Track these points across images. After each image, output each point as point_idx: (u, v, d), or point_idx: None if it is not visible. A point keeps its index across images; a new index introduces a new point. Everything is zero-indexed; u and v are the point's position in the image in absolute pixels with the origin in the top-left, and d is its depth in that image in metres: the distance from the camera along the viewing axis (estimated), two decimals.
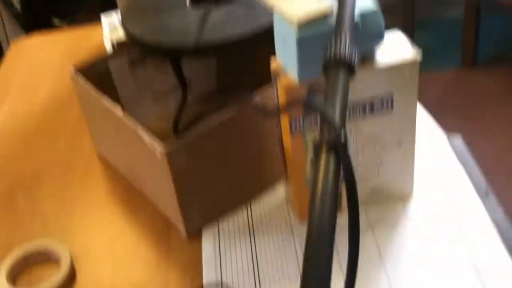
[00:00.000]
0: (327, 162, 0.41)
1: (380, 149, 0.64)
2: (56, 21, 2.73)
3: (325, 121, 0.43)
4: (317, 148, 0.42)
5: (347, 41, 0.48)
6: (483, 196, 0.67)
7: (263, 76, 0.68)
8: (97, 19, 2.84)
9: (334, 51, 0.47)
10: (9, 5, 2.38)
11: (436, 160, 0.73)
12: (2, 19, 2.40)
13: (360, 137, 0.63)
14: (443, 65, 2.38)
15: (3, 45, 2.46)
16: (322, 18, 0.55)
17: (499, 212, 0.65)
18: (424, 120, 0.79)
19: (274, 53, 0.61)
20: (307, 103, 0.48)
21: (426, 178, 0.70)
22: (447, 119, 2.10)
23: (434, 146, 0.75)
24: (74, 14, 2.80)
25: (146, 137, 0.65)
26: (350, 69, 0.47)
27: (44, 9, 2.73)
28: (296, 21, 0.54)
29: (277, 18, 0.57)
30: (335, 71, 0.47)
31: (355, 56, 0.48)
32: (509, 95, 2.19)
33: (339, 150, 0.41)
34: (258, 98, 0.62)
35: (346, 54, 0.47)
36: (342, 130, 0.42)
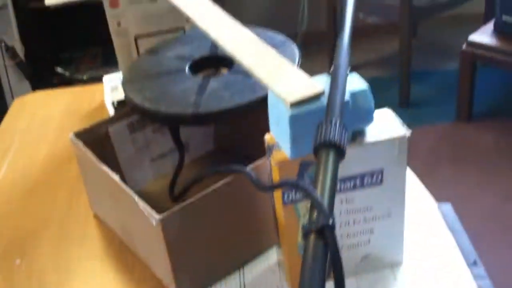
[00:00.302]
0: (315, 246, 0.42)
1: (370, 219, 0.66)
2: (59, 69, 2.78)
3: (314, 206, 0.45)
4: (306, 231, 0.43)
5: (337, 124, 0.50)
6: (471, 265, 0.69)
7: (259, 141, 0.70)
8: (100, 69, 2.87)
9: (324, 134, 0.50)
10: (12, 54, 2.43)
11: (426, 228, 0.74)
12: (5, 67, 2.45)
13: (351, 207, 0.65)
14: (438, 117, 2.41)
15: (6, 95, 2.49)
16: (314, 97, 0.57)
17: (487, 282, 0.66)
18: (414, 187, 0.81)
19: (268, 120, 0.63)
20: (297, 185, 0.50)
21: (416, 246, 0.71)
22: (441, 172, 2.13)
23: (424, 215, 0.77)
24: (77, 63, 2.85)
25: (141, 204, 0.66)
26: (339, 152, 0.49)
27: (47, 58, 2.78)
28: (289, 101, 0.56)
29: (271, 95, 0.60)
30: (325, 153, 0.49)
31: (344, 139, 0.50)
32: (503, 150, 2.21)
33: (327, 235, 0.43)
34: (252, 170, 0.64)
35: (336, 137, 0.49)
36: (330, 216, 0.44)
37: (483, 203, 1.98)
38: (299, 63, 0.80)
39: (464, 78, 2.25)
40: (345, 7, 0.67)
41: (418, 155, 2.21)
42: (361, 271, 0.69)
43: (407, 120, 2.38)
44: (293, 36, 2.84)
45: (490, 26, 2.22)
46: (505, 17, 2.12)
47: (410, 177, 0.84)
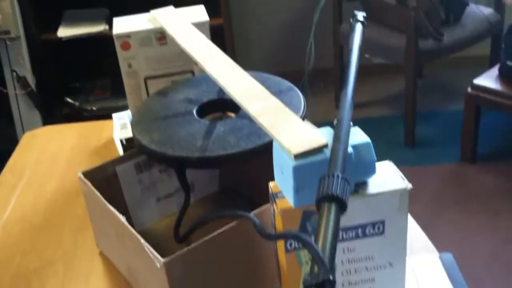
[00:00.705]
0: None
1: (372, 268, 0.67)
2: (68, 99, 2.82)
3: (315, 259, 0.46)
4: (307, 285, 0.45)
5: (340, 178, 0.52)
6: None
7: (264, 183, 0.72)
8: (109, 100, 2.90)
9: (326, 188, 0.51)
10: (23, 83, 2.47)
11: (427, 278, 0.75)
12: (16, 97, 2.49)
13: (353, 256, 0.66)
14: (443, 157, 2.42)
15: (16, 124, 2.53)
16: (317, 149, 0.59)
17: None
18: (416, 237, 0.82)
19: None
20: (299, 238, 0.51)
21: None
22: (444, 212, 2.13)
23: (426, 265, 0.78)
24: (86, 93, 2.89)
25: (147, 247, 0.67)
26: (341, 206, 0.51)
27: (57, 88, 2.82)
28: (293, 153, 0.58)
29: (276, 146, 0.62)
30: (327, 206, 0.51)
31: (346, 193, 0.52)
32: (507, 192, 2.21)
33: None
34: (256, 216, 0.66)
35: (338, 191, 0.51)
36: (331, 271, 0.45)
37: (486, 245, 1.97)
38: (305, 111, 0.82)
39: (469, 120, 2.27)
40: (350, 59, 0.69)
41: (422, 194, 2.21)
42: None
43: (412, 160, 2.42)
44: (300, 73, 2.89)
45: (495, 70, 2.25)
46: (510, 63, 2.15)
47: (412, 226, 0.85)
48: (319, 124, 1.03)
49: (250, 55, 3.07)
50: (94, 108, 2.82)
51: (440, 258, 0.78)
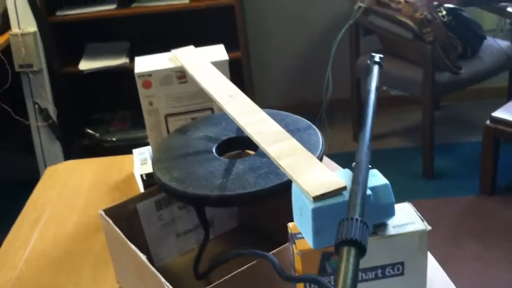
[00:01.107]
0: None
1: None
2: (89, 130, 2.86)
3: None
4: None
5: (359, 222, 0.53)
6: None
7: (283, 221, 0.72)
8: (128, 131, 2.93)
9: (345, 232, 0.52)
10: (45, 115, 2.52)
11: None
12: (38, 128, 2.53)
13: None
14: (461, 190, 2.41)
15: (38, 155, 2.56)
16: (336, 191, 0.59)
17: None
18: (434, 273, 0.82)
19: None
20: (319, 282, 0.52)
21: None
22: (462, 246, 2.11)
23: None
24: (106, 125, 2.93)
25: (167, 286, 0.68)
26: (360, 249, 0.51)
27: (78, 119, 2.87)
28: (312, 195, 0.58)
29: (294, 187, 0.62)
30: (347, 250, 0.51)
31: (366, 237, 0.52)
32: None
33: None
34: (275, 256, 0.66)
35: (357, 235, 0.51)
36: None
37: (505, 279, 1.94)
38: (323, 149, 0.83)
39: (487, 153, 2.26)
40: (368, 101, 0.70)
41: (440, 227, 2.19)
42: None
43: (431, 192, 2.41)
44: (318, 104, 2.91)
45: None
46: None
47: (431, 262, 0.84)
48: (337, 155, 1.04)
49: (269, 87, 3.11)
50: (114, 139, 2.86)
51: None
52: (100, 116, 3.01)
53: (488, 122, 2.23)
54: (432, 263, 0.85)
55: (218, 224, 0.96)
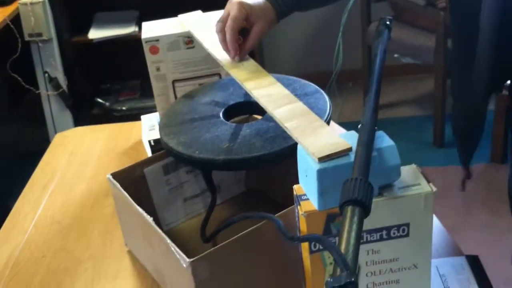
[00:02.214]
0: None
1: (397, 270, 0.67)
2: (99, 100, 2.87)
3: (338, 262, 0.47)
4: (330, 287, 0.45)
5: (363, 182, 0.52)
6: None
7: (289, 185, 0.72)
8: (138, 100, 2.92)
9: (350, 192, 0.52)
10: (55, 85, 2.52)
11: (452, 280, 0.75)
12: (48, 97, 2.54)
13: (378, 258, 0.66)
14: (472, 159, 2.39)
15: (48, 123, 2.58)
16: (342, 153, 0.59)
17: None
18: (443, 239, 0.82)
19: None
20: (322, 241, 0.52)
21: None
22: (473, 214, 2.10)
23: (452, 266, 0.77)
24: (116, 95, 2.93)
25: (173, 247, 0.69)
26: (364, 210, 0.51)
27: (88, 89, 2.87)
28: (317, 156, 0.58)
29: (300, 149, 0.62)
30: (351, 210, 0.51)
31: (370, 197, 0.52)
32: None
33: None
34: (280, 218, 0.66)
35: (361, 195, 0.51)
36: (354, 274, 0.45)
37: None
38: (330, 113, 0.82)
39: (499, 120, 2.24)
40: (374, 65, 0.69)
41: (450, 195, 2.19)
42: None
43: (441, 160, 2.38)
44: (329, 73, 2.88)
45: None
46: None
47: (439, 228, 0.85)
48: (347, 124, 1.03)
49: (278, 56, 3.08)
50: (124, 108, 2.86)
51: (466, 260, 0.78)
52: (110, 86, 3.00)
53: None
54: (438, 227, 0.85)
55: (225, 189, 0.96)
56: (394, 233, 0.64)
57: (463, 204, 2.16)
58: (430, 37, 2.32)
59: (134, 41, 2.64)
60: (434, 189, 0.63)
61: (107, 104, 2.88)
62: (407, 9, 2.40)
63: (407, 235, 0.64)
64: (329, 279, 0.46)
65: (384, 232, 0.64)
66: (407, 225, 0.64)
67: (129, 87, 3.01)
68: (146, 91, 2.91)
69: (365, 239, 0.64)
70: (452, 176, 2.29)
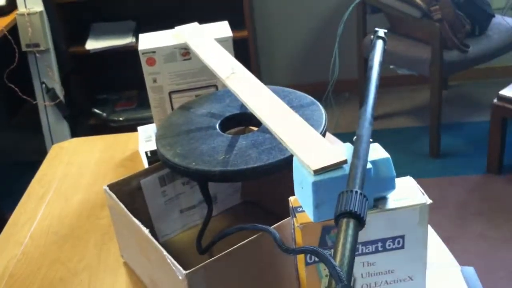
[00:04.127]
0: None
1: (392, 281, 0.67)
2: (96, 110, 2.87)
3: (333, 275, 0.47)
4: None
5: (358, 194, 0.53)
6: None
7: (285, 197, 0.73)
8: (135, 111, 2.93)
9: (345, 204, 0.52)
10: (52, 95, 2.52)
11: None
12: (45, 108, 2.54)
13: (373, 270, 0.66)
14: (468, 169, 2.40)
15: (45, 134, 2.57)
16: (337, 165, 0.59)
17: None
18: (438, 250, 0.82)
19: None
20: (317, 253, 0.52)
21: None
22: (468, 225, 2.11)
23: (447, 278, 0.77)
24: (113, 105, 2.94)
25: (169, 259, 0.69)
26: (359, 222, 0.52)
27: (85, 99, 2.88)
28: (313, 168, 0.59)
29: (295, 161, 0.63)
30: (346, 222, 0.51)
31: (365, 209, 0.52)
32: None
33: None
34: (276, 230, 0.66)
35: (356, 207, 0.52)
36: (348, 286, 0.46)
37: (511, 258, 1.95)
38: (326, 125, 0.83)
39: (495, 131, 2.25)
40: (370, 76, 0.70)
41: (446, 205, 2.19)
42: None
43: (437, 171, 2.40)
44: (325, 84, 2.89)
45: None
46: None
47: (434, 239, 0.85)
48: (344, 134, 1.04)
49: (275, 67, 3.09)
50: (121, 119, 2.87)
51: (462, 272, 0.78)
52: (107, 96, 3.01)
53: (495, 100, 2.21)
54: (434, 238, 0.85)
55: (222, 201, 0.97)
56: (389, 245, 0.64)
57: (458, 215, 2.16)
58: (426, 48, 2.33)
59: (131, 52, 2.65)
60: (429, 201, 0.63)
61: (104, 114, 2.89)
62: (403, 20, 2.41)
63: (402, 247, 0.65)
64: None
65: (380, 244, 0.64)
66: (402, 237, 0.64)
67: (126, 97, 3.02)
68: (143, 102, 2.92)
69: (360, 251, 0.64)
70: (447, 187, 2.30)
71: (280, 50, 3.08)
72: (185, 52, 1.03)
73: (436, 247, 0.84)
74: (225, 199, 0.97)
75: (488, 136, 2.29)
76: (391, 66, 2.53)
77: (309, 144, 0.65)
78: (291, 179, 0.65)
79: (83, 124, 2.81)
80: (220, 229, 0.92)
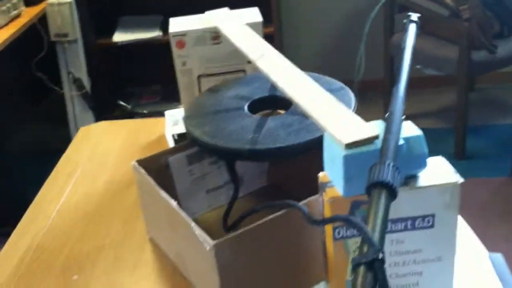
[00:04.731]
0: (364, 278, 0.44)
1: (420, 262, 0.67)
2: (121, 102, 2.90)
3: (365, 240, 0.47)
4: (356, 263, 0.45)
5: (391, 166, 0.53)
6: None
7: (311, 182, 0.73)
8: (159, 104, 2.96)
9: (377, 175, 0.52)
10: (79, 85, 2.55)
11: (475, 276, 0.74)
12: (71, 97, 2.57)
13: (401, 249, 0.66)
14: (493, 171, 2.37)
15: (70, 123, 2.61)
16: (369, 140, 0.59)
17: None
18: (467, 236, 0.81)
19: (322, 160, 0.65)
20: (349, 220, 0.52)
21: None
22: (492, 227, 2.08)
23: (475, 262, 0.77)
24: (138, 98, 2.96)
25: (197, 230, 0.69)
26: (391, 192, 0.51)
27: (111, 91, 2.91)
28: (344, 142, 0.59)
29: (327, 135, 0.63)
30: (378, 193, 0.51)
31: (397, 180, 0.52)
32: None
33: (376, 269, 0.45)
34: (305, 206, 0.66)
35: (389, 178, 0.51)
36: (381, 250, 0.45)
37: None
38: (355, 109, 0.82)
39: None
40: (403, 56, 0.70)
41: (470, 207, 2.17)
42: None
43: (462, 172, 2.35)
44: (349, 84, 2.88)
45: None
46: None
47: (462, 225, 0.84)
48: None
49: (299, 64, 3.07)
50: (145, 112, 2.90)
51: (490, 258, 0.77)
52: (132, 89, 3.04)
53: None
54: (463, 225, 0.85)
55: (248, 182, 0.97)
56: (418, 224, 0.64)
57: (482, 216, 2.14)
58: (453, 48, 2.31)
59: (158, 46, 2.68)
60: (461, 180, 0.63)
61: (129, 107, 2.92)
62: (431, 19, 2.40)
63: (431, 226, 0.64)
64: (355, 256, 0.46)
65: (409, 222, 0.64)
66: (432, 216, 0.64)
67: (150, 91, 3.04)
68: (167, 96, 2.94)
69: (389, 229, 0.64)
70: (472, 188, 2.27)
71: (306, 47, 3.08)
72: (215, 35, 1.03)
73: (464, 233, 0.83)
74: (251, 181, 0.97)
75: None
76: (418, 66, 2.51)
77: (341, 120, 0.65)
78: (318, 164, 0.65)
79: (108, 115, 2.84)
80: (245, 211, 0.92)
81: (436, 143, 2.61)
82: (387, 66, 2.70)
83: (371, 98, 3.00)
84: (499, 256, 0.77)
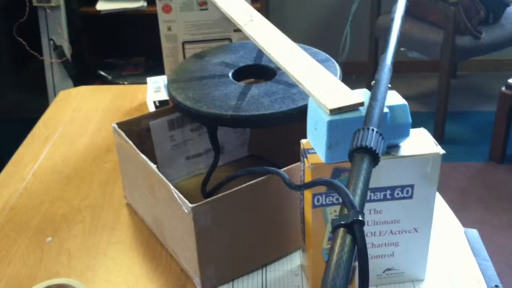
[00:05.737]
0: (343, 239, 0.44)
1: (397, 232, 0.67)
2: (102, 72, 2.86)
3: (346, 202, 0.47)
4: (336, 225, 0.45)
5: (375, 131, 0.52)
6: None
7: (292, 152, 0.72)
8: (141, 77, 2.92)
9: (360, 140, 0.52)
10: (59, 53, 2.51)
11: (450, 250, 0.75)
12: (51, 65, 2.53)
13: (379, 218, 0.66)
14: (471, 156, 2.40)
15: (49, 90, 2.57)
16: (353, 107, 0.59)
17: None
18: (443, 212, 0.82)
19: (305, 129, 0.65)
20: (330, 183, 0.52)
21: (439, 266, 0.72)
22: (468, 211, 2.11)
23: (450, 236, 0.77)
24: (119, 69, 2.92)
25: (176, 193, 0.68)
26: (374, 158, 0.51)
27: (92, 60, 2.86)
28: (329, 108, 0.58)
29: (311, 102, 0.62)
30: (360, 157, 0.51)
31: (380, 146, 0.52)
32: None
33: (355, 230, 0.44)
34: (285, 171, 0.66)
35: (373, 143, 0.51)
36: (360, 213, 0.45)
37: (508, 245, 1.95)
38: (341, 79, 0.82)
39: (501, 119, 2.24)
40: (391, 26, 0.69)
41: (447, 191, 2.19)
42: (382, 284, 0.70)
43: None
44: None
45: None
46: None
47: (439, 202, 0.85)
48: None
49: None
50: (125, 83, 2.86)
51: (465, 233, 0.78)
52: (114, 60, 3.00)
53: (503, 88, 2.20)
54: (440, 201, 0.85)
55: (229, 151, 0.96)
56: (398, 194, 0.64)
57: (459, 200, 2.16)
58: (439, 32, 2.32)
59: (142, 16, 2.64)
60: (442, 151, 0.63)
61: (110, 77, 2.88)
62: (418, 2, 2.39)
63: (410, 197, 0.64)
64: (335, 217, 0.46)
65: (388, 192, 0.64)
66: (412, 186, 0.64)
67: (133, 63, 3.00)
68: (150, 69, 2.90)
69: (368, 198, 0.64)
70: (449, 172, 2.30)
71: (292, 27, 3.06)
72: (202, 1, 1.02)
73: (441, 209, 0.83)
74: (232, 150, 0.97)
75: (494, 124, 2.29)
76: (402, 49, 2.51)
77: (326, 86, 0.64)
78: (300, 135, 0.65)
79: (87, 85, 2.80)
80: (224, 179, 0.92)
81: (415, 127, 2.62)
82: (372, 48, 2.70)
83: (355, 80, 3.01)
84: (474, 232, 0.78)
